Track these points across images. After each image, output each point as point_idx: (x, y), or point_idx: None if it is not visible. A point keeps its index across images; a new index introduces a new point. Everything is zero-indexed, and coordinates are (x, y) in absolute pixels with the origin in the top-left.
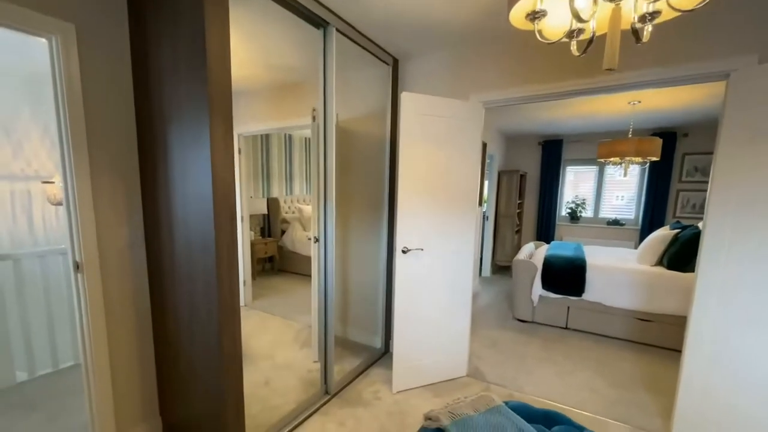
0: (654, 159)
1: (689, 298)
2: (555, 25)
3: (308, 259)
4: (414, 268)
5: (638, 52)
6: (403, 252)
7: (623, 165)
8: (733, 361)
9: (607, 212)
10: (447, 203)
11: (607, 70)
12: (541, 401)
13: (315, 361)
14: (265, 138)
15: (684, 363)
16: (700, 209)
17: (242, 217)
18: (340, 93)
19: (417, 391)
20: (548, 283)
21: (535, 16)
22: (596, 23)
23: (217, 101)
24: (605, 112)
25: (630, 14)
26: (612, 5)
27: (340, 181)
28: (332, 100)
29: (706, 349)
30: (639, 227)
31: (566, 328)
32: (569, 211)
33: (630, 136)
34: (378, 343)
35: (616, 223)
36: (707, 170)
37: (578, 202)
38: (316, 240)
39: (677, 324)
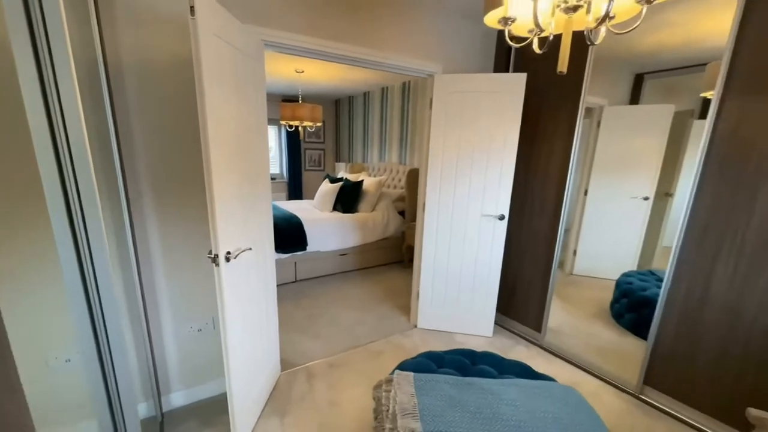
0: (318, 124)
1: (364, 232)
2: (520, 25)
3: None
4: (242, 279)
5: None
6: (227, 260)
7: (300, 127)
8: (440, 264)
9: None
10: (252, 174)
11: (558, 72)
12: (343, 355)
13: None
14: None
15: (422, 271)
16: (318, 163)
17: None
18: None
19: None
20: (280, 245)
21: (507, 21)
22: (554, 26)
23: None
24: (276, 75)
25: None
26: (566, 16)
27: None
28: None
29: (431, 262)
30: (286, 180)
31: (296, 281)
32: None
33: (300, 101)
34: (146, 411)
35: (271, 178)
36: (319, 133)
37: None
38: None
39: (360, 252)
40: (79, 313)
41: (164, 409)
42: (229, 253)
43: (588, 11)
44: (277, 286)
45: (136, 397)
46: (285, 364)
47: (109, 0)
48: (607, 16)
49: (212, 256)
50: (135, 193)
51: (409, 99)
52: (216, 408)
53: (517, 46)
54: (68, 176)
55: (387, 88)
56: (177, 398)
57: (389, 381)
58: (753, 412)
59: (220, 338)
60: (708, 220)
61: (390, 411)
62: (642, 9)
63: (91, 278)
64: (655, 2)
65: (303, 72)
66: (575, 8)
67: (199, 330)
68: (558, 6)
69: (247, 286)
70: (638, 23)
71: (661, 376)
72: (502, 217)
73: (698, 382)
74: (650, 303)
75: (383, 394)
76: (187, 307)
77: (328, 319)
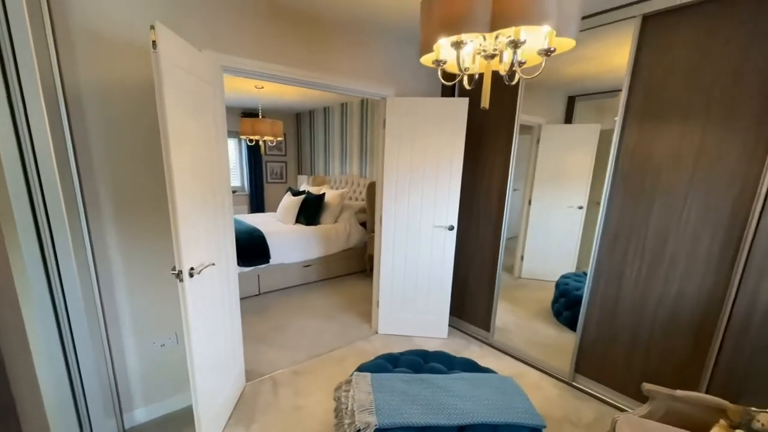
0: (279, 138)
1: (328, 243)
2: (452, 64)
3: None
4: (206, 294)
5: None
6: (191, 275)
7: (260, 141)
8: (398, 272)
9: None
10: (214, 192)
11: (482, 107)
12: (308, 363)
13: None
14: None
15: (381, 279)
16: (280, 176)
17: None
18: None
19: None
20: (243, 259)
21: (439, 63)
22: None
23: None
24: (236, 90)
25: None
26: (486, 62)
27: None
28: None
29: (389, 271)
30: (247, 193)
31: (259, 294)
32: None
33: (261, 116)
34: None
35: (232, 191)
36: (280, 146)
37: None
38: None
39: (323, 263)
40: (47, 329)
41: (127, 426)
42: (192, 269)
43: (501, 60)
44: (241, 299)
45: (102, 414)
46: (251, 374)
47: (65, 24)
48: (514, 64)
49: (176, 272)
50: (94, 211)
51: (367, 114)
52: (180, 422)
53: (449, 84)
54: (37, 200)
55: (346, 104)
56: (140, 414)
57: (348, 382)
58: (647, 386)
59: (183, 353)
60: (617, 228)
61: (349, 408)
62: (543, 59)
63: (59, 295)
64: (552, 54)
65: (262, 88)
66: (492, 56)
67: (162, 345)
68: (478, 53)
69: (211, 300)
70: (540, 71)
71: (588, 364)
72: (451, 228)
73: (616, 367)
74: (582, 301)
75: (343, 393)
76: (150, 322)
77: (292, 329)
